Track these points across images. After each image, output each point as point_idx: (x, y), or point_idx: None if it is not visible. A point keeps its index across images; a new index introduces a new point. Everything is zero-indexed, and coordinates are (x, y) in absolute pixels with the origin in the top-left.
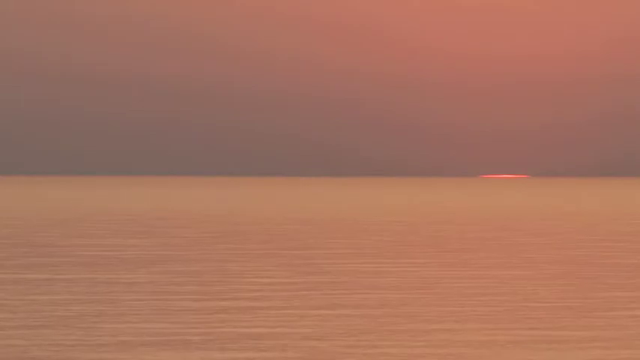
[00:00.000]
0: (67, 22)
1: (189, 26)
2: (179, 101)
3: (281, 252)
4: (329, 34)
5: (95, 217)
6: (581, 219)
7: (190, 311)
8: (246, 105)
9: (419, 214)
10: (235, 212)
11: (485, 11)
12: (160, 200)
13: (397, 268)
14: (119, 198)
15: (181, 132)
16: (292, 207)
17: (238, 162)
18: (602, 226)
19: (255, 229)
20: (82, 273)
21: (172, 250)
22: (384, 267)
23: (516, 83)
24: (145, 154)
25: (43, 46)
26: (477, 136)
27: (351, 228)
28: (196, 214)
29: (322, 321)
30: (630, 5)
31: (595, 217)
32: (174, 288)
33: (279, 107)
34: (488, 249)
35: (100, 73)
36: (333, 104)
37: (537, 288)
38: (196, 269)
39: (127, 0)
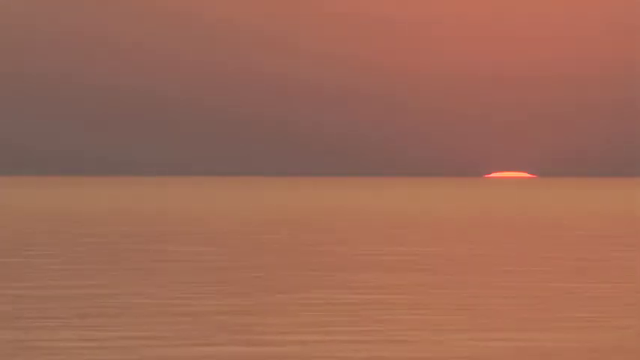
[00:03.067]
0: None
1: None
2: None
3: None
4: (334, 27)
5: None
6: None
7: None
8: (241, 105)
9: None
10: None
11: (490, 14)
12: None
13: None
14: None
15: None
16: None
17: (234, 161)
18: None
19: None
20: None
21: None
22: None
23: (521, 82)
24: (141, 155)
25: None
26: (480, 135)
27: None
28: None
29: None
30: None
31: None
32: None
33: (273, 101)
34: None
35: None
36: (332, 102)
37: None
38: None
39: (130, 2)
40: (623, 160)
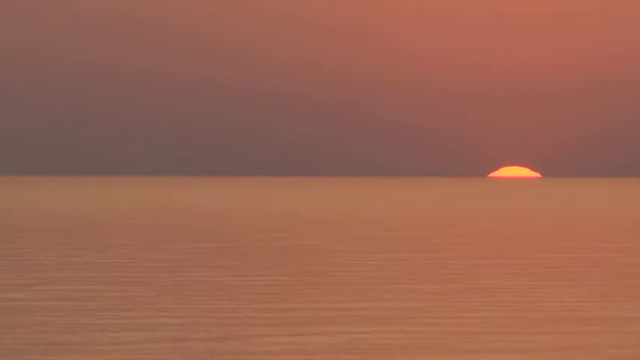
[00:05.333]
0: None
1: (189, 26)
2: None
3: None
4: (333, 37)
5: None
6: None
7: None
8: (242, 105)
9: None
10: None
11: (494, 20)
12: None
13: None
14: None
15: (181, 132)
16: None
17: (234, 162)
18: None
19: None
20: None
21: None
22: None
23: (527, 85)
24: (143, 155)
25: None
26: (484, 134)
27: None
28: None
29: None
30: None
31: None
32: None
33: (277, 107)
34: None
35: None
36: (334, 104)
37: None
38: None
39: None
40: (629, 160)
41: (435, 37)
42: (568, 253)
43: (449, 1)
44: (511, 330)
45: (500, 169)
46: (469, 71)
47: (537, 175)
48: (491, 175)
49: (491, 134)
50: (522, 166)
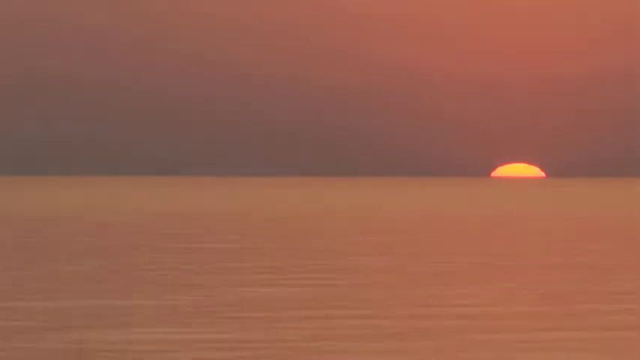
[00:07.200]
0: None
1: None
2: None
3: None
4: (332, 26)
5: None
6: None
7: None
8: (244, 101)
9: None
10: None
11: (494, 10)
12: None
13: None
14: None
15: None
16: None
17: (237, 161)
18: None
19: None
20: None
21: None
22: None
23: (530, 80)
24: (143, 154)
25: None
26: (486, 132)
27: None
28: None
29: None
30: None
31: None
32: None
33: (277, 103)
34: None
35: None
36: (334, 100)
37: None
38: None
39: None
40: (632, 160)
41: (433, 29)
42: None
43: None
44: None
45: (498, 168)
46: (472, 62)
47: (542, 172)
48: (496, 171)
49: (490, 131)
50: (528, 162)
